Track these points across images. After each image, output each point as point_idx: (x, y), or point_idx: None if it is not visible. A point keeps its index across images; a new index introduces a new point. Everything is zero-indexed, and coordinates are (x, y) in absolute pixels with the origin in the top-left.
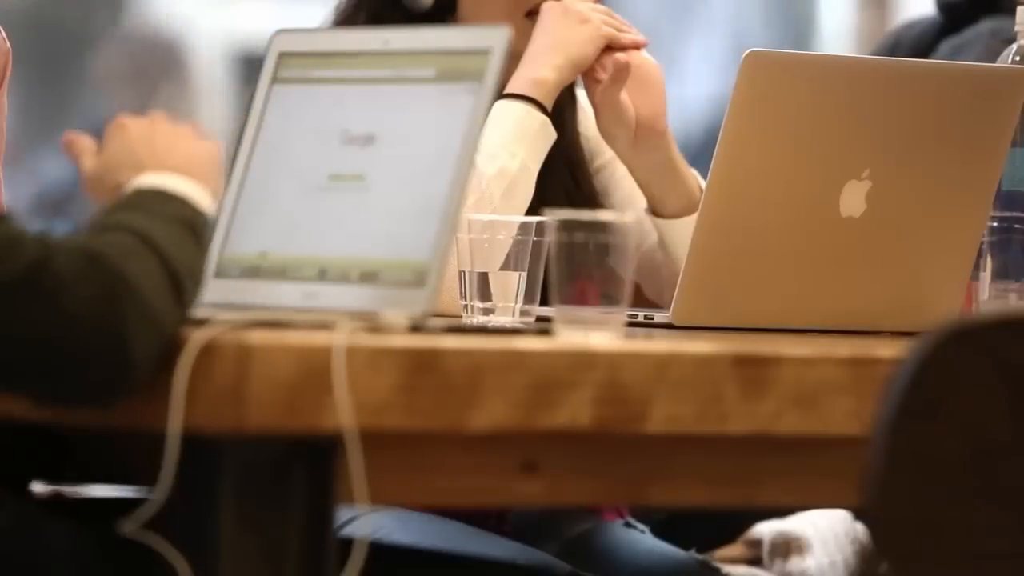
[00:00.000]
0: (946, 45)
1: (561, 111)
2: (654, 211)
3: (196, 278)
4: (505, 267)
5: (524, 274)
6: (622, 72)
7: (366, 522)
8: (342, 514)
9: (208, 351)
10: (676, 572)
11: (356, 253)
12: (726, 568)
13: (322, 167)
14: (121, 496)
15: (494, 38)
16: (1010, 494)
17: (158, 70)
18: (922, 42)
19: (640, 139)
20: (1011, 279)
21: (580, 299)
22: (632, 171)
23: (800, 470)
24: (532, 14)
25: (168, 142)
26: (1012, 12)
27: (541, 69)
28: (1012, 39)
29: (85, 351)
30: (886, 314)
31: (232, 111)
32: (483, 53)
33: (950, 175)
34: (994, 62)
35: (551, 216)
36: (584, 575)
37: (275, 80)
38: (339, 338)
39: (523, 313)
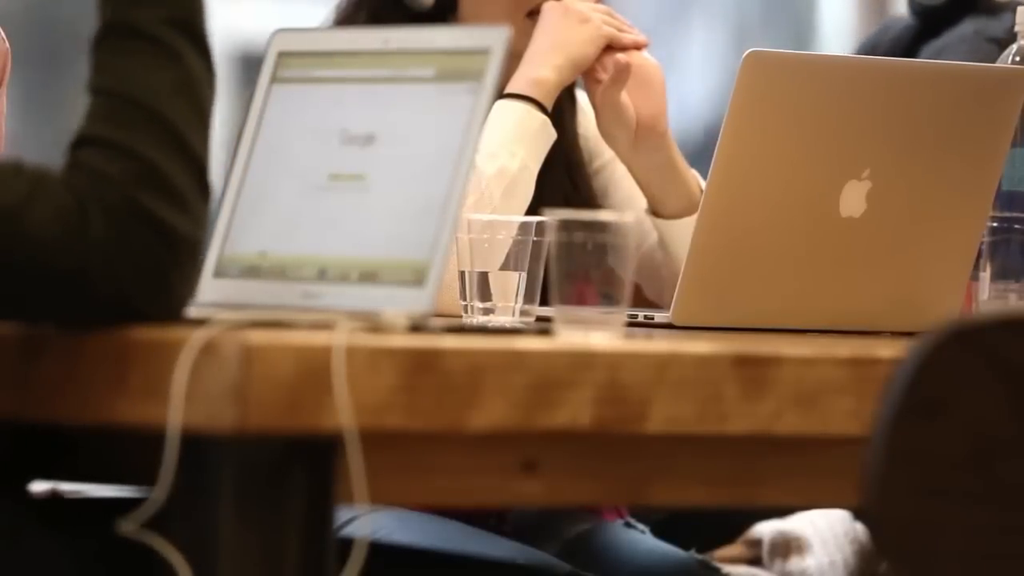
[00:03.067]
0: (926, 50)
1: (560, 113)
2: (654, 211)
3: (202, 157)
4: (505, 267)
5: (524, 274)
6: (623, 72)
7: (366, 522)
8: (342, 514)
9: (208, 351)
10: (676, 572)
11: (356, 253)
12: (726, 568)
13: (322, 167)
14: (121, 496)
15: (494, 38)
16: (1010, 494)
17: None
18: (899, 46)
19: (640, 139)
20: (1011, 279)
21: (580, 299)
22: (632, 171)
23: (800, 470)
24: (533, 14)
25: None
26: (991, 13)
27: (541, 69)
28: (996, 38)
29: (136, 299)
30: (886, 314)
31: (232, 111)
32: (483, 53)
33: (950, 175)
34: (980, 61)
35: (551, 216)
36: (584, 575)
37: (275, 80)
38: (339, 338)
39: (523, 313)
